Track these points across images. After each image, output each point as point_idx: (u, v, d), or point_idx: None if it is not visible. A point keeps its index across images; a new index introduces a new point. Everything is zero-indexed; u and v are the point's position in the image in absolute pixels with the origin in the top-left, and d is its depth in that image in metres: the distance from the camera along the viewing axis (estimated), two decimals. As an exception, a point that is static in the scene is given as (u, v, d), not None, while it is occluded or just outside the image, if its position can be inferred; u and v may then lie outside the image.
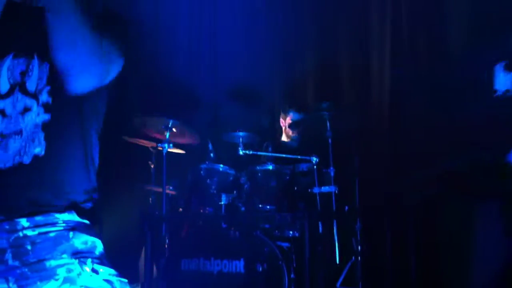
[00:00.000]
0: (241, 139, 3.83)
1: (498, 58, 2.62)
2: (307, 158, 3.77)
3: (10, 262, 1.32)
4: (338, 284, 3.64)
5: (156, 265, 3.82)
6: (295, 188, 3.75)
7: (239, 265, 3.24)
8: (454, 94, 3.94)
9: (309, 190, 3.76)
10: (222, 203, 3.63)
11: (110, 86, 1.48)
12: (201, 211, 3.74)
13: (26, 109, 1.38)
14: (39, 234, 1.34)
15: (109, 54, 1.38)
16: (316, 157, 3.73)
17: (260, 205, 3.63)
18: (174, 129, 3.92)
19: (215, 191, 3.70)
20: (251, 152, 3.81)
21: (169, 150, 3.96)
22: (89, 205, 1.43)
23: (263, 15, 5.13)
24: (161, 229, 3.81)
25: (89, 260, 1.36)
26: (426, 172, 3.80)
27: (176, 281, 3.37)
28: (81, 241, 1.37)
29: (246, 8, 5.17)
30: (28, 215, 1.34)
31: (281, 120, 4.43)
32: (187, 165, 3.99)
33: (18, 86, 1.40)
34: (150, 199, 4.36)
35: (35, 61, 1.42)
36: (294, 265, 3.41)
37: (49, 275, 1.31)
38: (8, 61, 1.43)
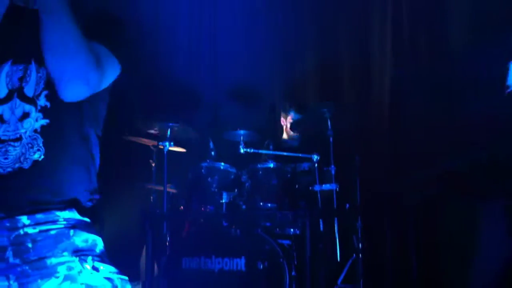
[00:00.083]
0: (242, 137, 3.83)
1: (510, 55, 2.62)
2: (308, 156, 3.77)
3: (11, 260, 1.32)
4: (339, 282, 3.64)
5: (157, 263, 3.83)
6: (296, 186, 3.76)
7: (240, 263, 3.24)
8: (455, 93, 3.94)
9: (310, 188, 3.76)
10: (223, 201, 3.64)
11: (109, 87, 1.48)
12: (202, 209, 3.74)
13: (25, 115, 1.39)
14: (40, 232, 1.34)
15: (104, 60, 1.37)
16: (317, 155, 3.74)
17: (261, 203, 3.64)
18: (175, 129, 3.94)
19: (216, 189, 3.70)
20: (252, 150, 3.82)
21: (170, 148, 3.97)
22: (90, 203, 1.44)
23: (263, 15, 5.13)
24: (162, 227, 3.82)
25: (90, 258, 1.36)
26: (427, 172, 3.81)
27: (177, 279, 3.38)
28: (81, 239, 1.38)
29: (246, 8, 5.17)
30: (29, 212, 1.35)
31: (282, 119, 4.44)
32: (188, 164, 4.00)
33: (17, 92, 1.41)
34: (151, 197, 4.37)
35: (33, 66, 1.42)
36: (295, 262, 3.41)
37: (50, 273, 1.31)
38: (6, 67, 1.43)
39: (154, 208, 4.25)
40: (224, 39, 5.22)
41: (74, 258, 1.34)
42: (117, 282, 1.37)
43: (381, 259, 4.15)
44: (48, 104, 1.39)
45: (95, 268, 1.35)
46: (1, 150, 1.37)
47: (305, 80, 4.91)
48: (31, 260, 1.32)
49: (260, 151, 3.90)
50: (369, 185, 3.95)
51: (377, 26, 4.63)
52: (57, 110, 1.39)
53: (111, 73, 1.43)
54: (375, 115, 4.47)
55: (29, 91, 1.40)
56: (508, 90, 2.68)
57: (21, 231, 1.34)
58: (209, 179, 3.73)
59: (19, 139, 1.37)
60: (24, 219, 1.35)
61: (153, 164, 4.36)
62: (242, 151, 3.79)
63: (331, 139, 3.80)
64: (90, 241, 1.39)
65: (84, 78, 1.32)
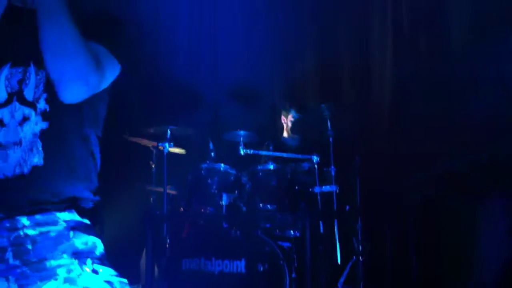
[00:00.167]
0: (241, 138, 3.83)
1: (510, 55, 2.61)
2: (308, 157, 3.76)
3: (11, 261, 1.32)
4: (339, 284, 3.63)
5: (157, 265, 3.82)
6: (296, 187, 3.75)
7: (240, 265, 3.23)
8: (455, 93, 3.94)
9: (310, 189, 3.76)
10: (223, 202, 3.63)
11: (109, 88, 1.47)
12: (202, 210, 3.73)
13: (25, 119, 1.38)
14: (40, 233, 1.34)
15: (103, 61, 1.37)
16: (317, 156, 3.73)
17: (261, 205, 3.63)
18: (175, 130, 3.95)
19: (216, 191, 3.69)
20: (252, 152, 3.81)
21: (170, 149, 3.96)
22: (90, 205, 1.43)
23: (263, 15, 5.13)
24: (162, 229, 3.82)
25: (89, 260, 1.35)
26: (427, 172, 3.80)
27: (177, 281, 3.37)
28: (81, 241, 1.37)
29: (246, 9, 5.17)
30: (29, 213, 1.34)
31: (283, 117, 4.43)
32: (188, 165, 3.99)
33: (16, 95, 1.40)
34: (151, 199, 4.36)
35: (32, 69, 1.41)
36: (296, 264, 3.40)
37: (49, 275, 1.30)
38: (5, 71, 1.42)
39: (154, 210, 4.24)
40: (224, 39, 5.21)
41: (73, 260, 1.33)
42: (117, 285, 1.36)
43: (381, 261, 4.14)
44: (47, 107, 1.39)
45: (94, 271, 1.34)
46: (1, 154, 1.36)
47: (305, 80, 4.91)
48: (31, 261, 1.31)
49: (260, 152, 3.89)
50: (369, 186, 3.95)
51: (377, 26, 4.62)
52: (56, 113, 1.39)
53: (111, 73, 1.43)
54: (375, 115, 4.47)
55: (28, 94, 1.40)
56: None
57: (21, 232, 1.33)
58: (209, 180, 3.72)
59: (18, 143, 1.37)
60: (24, 220, 1.34)
61: (153, 166, 4.35)
62: (242, 152, 3.79)
63: (331, 139, 3.80)
64: (90, 243, 1.38)
65: (83, 79, 1.31)
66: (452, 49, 4.19)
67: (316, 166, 3.75)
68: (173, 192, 4.22)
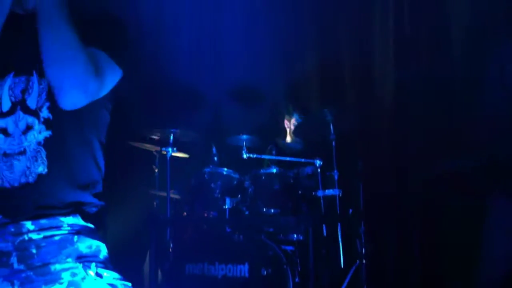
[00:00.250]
0: (244, 143, 3.83)
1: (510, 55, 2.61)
2: (311, 161, 3.77)
3: (16, 265, 1.32)
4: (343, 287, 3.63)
5: (160, 269, 3.82)
6: (299, 191, 3.75)
7: (243, 269, 3.23)
8: (455, 93, 3.94)
9: (313, 193, 3.76)
10: (226, 207, 3.63)
11: (111, 93, 1.48)
12: (205, 215, 3.73)
13: (28, 128, 1.39)
14: (44, 237, 1.35)
15: (103, 67, 1.37)
16: (320, 160, 3.73)
17: (264, 209, 3.63)
18: (178, 134, 3.96)
19: (219, 195, 3.70)
20: (254, 156, 3.82)
21: (173, 154, 3.97)
22: (94, 209, 1.44)
23: (264, 17, 5.13)
24: (165, 233, 3.82)
25: (94, 264, 1.36)
26: (428, 173, 3.80)
27: (181, 286, 3.37)
28: (85, 245, 1.38)
29: (247, 10, 5.17)
30: (33, 218, 1.35)
31: (286, 121, 4.43)
32: (191, 169, 3.99)
33: (19, 104, 1.41)
34: (154, 203, 4.36)
35: (34, 78, 1.42)
36: (299, 268, 3.40)
37: (54, 279, 1.31)
38: (9, 80, 1.43)
39: (157, 214, 4.24)
40: (226, 42, 5.22)
41: (78, 264, 1.34)
42: (121, 288, 1.37)
43: (384, 264, 4.13)
44: (50, 116, 1.39)
45: (98, 275, 1.35)
46: (7, 164, 1.37)
47: (306, 81, 4.91)
48: (35, 266, 1.32)
49: (263, 156, 3.90)
50: (372, 190, 3.95)
51: (378, 26, 4.62)
52: (59, 121, 1.40)
53: (111, 79, 1.43)
54: (376, 119, 4.46)
55: (31, 103, 1.40)
56: None
57: (26, 237, 1.34)
58: (212, 184, 3.72)
59: (23, 152, 1.38)
60: (29, 225, 1.35)
61: (156, 170, 4.36)
62: (245, 156, 3.79)
63: (333, 143, 3.80)
64: (94, 247, 1.39)
65: (82, 86, 1.32)
66: (452, 49, 4.19)
67: (319, 170, 3.75)
68: (176, 196, 4.23)
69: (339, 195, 3.71)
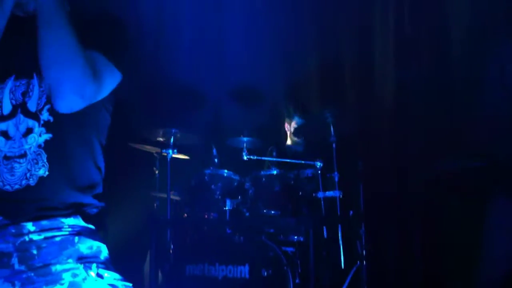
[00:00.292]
0: (245, 144, 3.83)
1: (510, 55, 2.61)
2: (311, 163, 3.76)
3: (16, 266, 1.33)
4: (343, 289, 3.63)
5: (161, 271, 3.82)
6: (300, 193, 3.74)
7: (244, 271, 3.23)
8: (455, 94, 3.94)
9: (314, 194, 3.75)
10: (227, 208, 3.63)
11: (111, 95, 1.48)
12: (206, 216, 3.73)
13: (29, 130, 1.39)
14: (45, 238, 1.35)
15: (102, 70, 1.37)
16: (320, 162, 3.73)
17: (265, 210, 3.63)
18: (178, 136, 3.96)
19: (219, 197, 3.70)
20: (255, 157, 3.82)
21: (173, 155, 3.97)
22: (94, 211, 1.44)
23: (266, 17, 5.13)
24: (165, 234, 3.82)
25: (94, 265, 1.36)
26: (428, 173, 3.80)
27: (181, 287, 3.37)
28: (86, 246, 1.38)
29: (248, 11, 5.17)
30: (34, 219, 1.36)
31: (286, 124, 4.43)
32: (191, 171, 3.99)
33: (20, 107, 1.41)
34: (155, 204, 4.37)
35: (35, 81, 1.42)
36: (299, 270, 3.40)
37: (55, 279, 1.31)
38: (10, 83, 1.44)
39: (157, 215, 4.24)
40: (228, 43, 5.23)
41: (78, 265, 1.34)
42: (122, 289, 1.37)
43: (385, 265, 4.13)
44: (51, 118, 1.40)
45: (99, 275, 1.35)
46: (7, 167, 1.37)
47: (307, 81, 4.91)
48: (36, 266, 1.32)
49: (263, 158, 3.90)
50: (373, 191, 3.95)
51: (378, 27, 4.63)
52: (59, 123, 1.40)
53: (110, 82, 1.43)
54: (377, 120, 4.46)
55: (32, 106, 1.41)
56: None
57: (26, 238, 1.35)
58: (212, 186, 3.72)
59: (24, 155, 1.38)
60: (29, 226, 1.35)
61: (157, 172, 4.36)
62: (245, 158, 3.79)
63: (334, 145, 3.80)
64: (94, 248, 1.39)
65: (79, 90, 1.31)
66: (452, 49, 4.19)
67: (319, 171, 3.75)
68: (176, 197, 4.23)
69: (339, 196, 3.71)
